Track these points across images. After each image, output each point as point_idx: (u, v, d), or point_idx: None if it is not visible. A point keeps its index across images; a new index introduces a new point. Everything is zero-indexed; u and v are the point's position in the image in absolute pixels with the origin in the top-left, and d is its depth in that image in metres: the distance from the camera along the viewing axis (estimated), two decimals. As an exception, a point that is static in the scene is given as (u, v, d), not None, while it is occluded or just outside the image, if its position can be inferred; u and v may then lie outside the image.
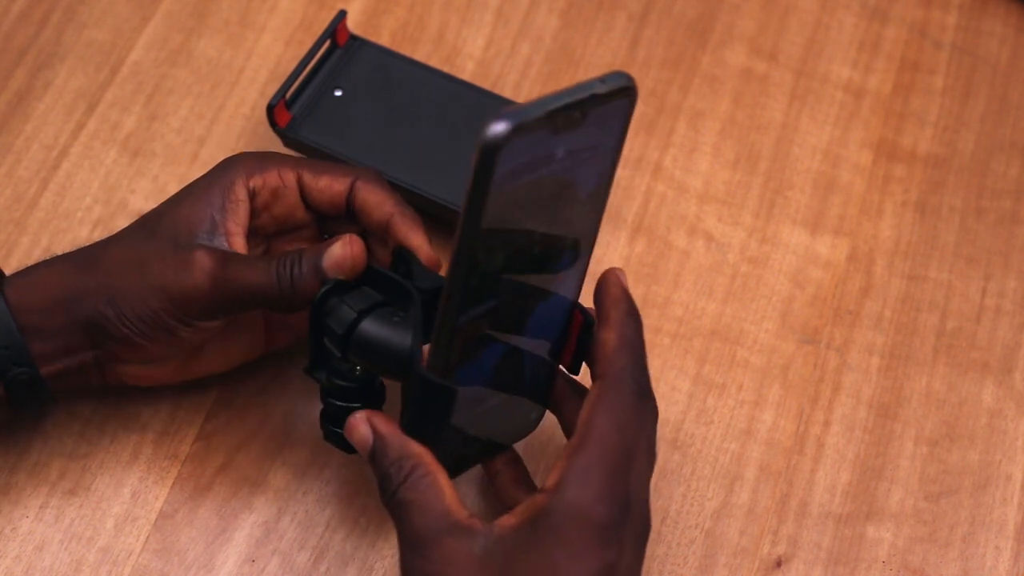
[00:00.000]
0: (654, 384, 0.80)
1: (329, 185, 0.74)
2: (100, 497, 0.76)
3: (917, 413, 0.81)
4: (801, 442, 0.80)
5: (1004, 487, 0.79)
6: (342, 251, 0.70)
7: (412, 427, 0.67)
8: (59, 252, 0.81)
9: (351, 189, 0.74)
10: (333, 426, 0.72)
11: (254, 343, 0.77)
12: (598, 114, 0.62)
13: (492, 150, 0.59)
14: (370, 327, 0.69)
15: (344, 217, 0.75)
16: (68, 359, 0.72)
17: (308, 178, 0.74)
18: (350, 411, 0.69)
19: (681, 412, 0.80)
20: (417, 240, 0.72)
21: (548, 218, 0.64)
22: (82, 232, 0.83)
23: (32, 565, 0.74)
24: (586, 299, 0.69)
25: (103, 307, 0.71)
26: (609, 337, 0.67)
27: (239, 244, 0.72)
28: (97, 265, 0.72)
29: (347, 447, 0.71)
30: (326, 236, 0.77)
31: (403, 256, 0.72)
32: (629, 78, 0.62)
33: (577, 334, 0.69)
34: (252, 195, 0.73)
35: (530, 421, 0.72)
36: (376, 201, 0.73)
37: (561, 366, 0.70)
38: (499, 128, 0.59)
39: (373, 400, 0.72)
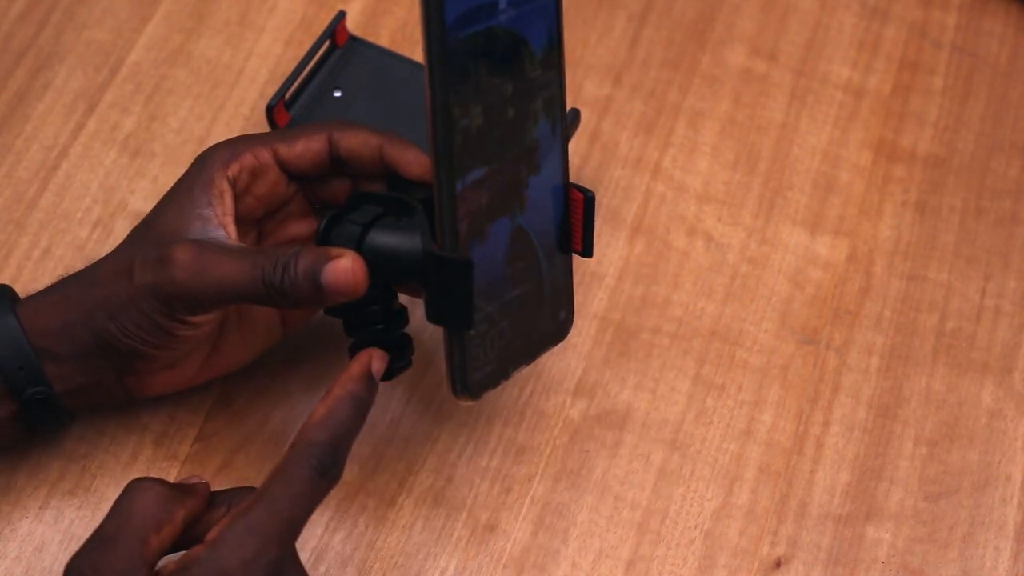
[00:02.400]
0: (653, 384, 0.80)
1: (307, 147, 0.73)
2: (100, 498, 0.76)
3: (917, 413, 0.81)
4: (800, 443, 0.80)
5: (1004, 487, 0.79)
6: (344, 275, 0.69)
7: (438, 315, 0.68)
8: (59, 253, 0.82)
9: (329, 143, 0.73)
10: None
11: (271, 329, 0.76)
12: None
13: None
14: (378, 235, 0.70)
15: (330, 175, 0.75)
16: (83, 378, 0.72)
17: (284, 150, 0.73)
18: (374, 337, 0.71)
19: (680, 413, 0.80)
20: (412, 154, 0.72)
21: (512, 77, 0.68)
22: (81, 232, 0.83)
23: (31, 566, 0.74)
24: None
25: (105, 323, 0.71)
26: (318, 411, 0.68)
27: (232, 232, 0.72)
28: (96, 283, 0.72)
29: (384, 376, 0.72)
30: (317, 209, 0.76)
31: (398, 182, 0.73)
32: None
33: (582, 212, 0.72)
34: (232, 183, 0.73)
35: (559, 323, 0.73)
36: (360, 140, 0.73)
37: (575, 254, 0.73)
38: None
39: (394, 322, 0.72)
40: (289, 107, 0.82)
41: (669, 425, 0.80)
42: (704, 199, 0.87)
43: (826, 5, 0.94)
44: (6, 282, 0.80)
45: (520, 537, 0.76)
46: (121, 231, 0.83)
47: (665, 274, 0.84)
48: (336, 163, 0.74)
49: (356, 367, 0.69)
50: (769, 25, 0.93)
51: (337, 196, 0.75)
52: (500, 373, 0.71)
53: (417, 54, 0.90)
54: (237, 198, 0.73)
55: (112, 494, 0.76)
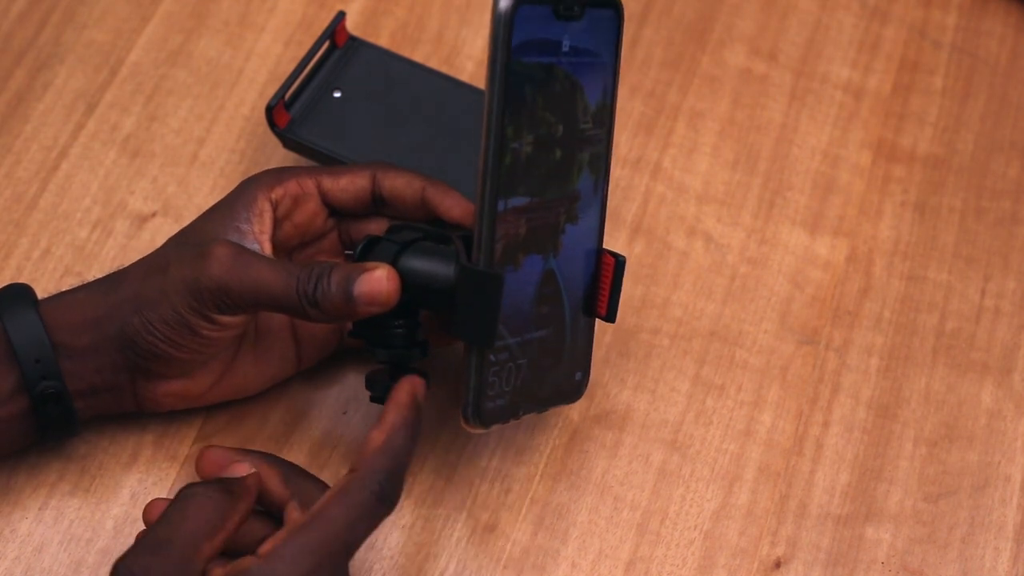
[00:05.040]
0: (653, 385, 0.81)
1: (351, 182, 0.75)
2: (99, 498, 0.76)
3: (916, 414, 0.81)
4: (800, 443, 0.80)
5: (1003, 488, 0.79)
6: (378, 283, 0.70)
7: (463, 330, 0.70)
8: (58, 254, 0.82)
9: (373, 181, 0.75)
10: (383, 381, 0.73)
11: (285, 360, 0.77)
12: (593, 19, 0.71)
13: (508, 13, 0.67)
14: (413, 256, 0.71)
15: (369, 213, 0.76)
16: (97, 377, 0.72)
17: (328, 182, 0.75)
18: (396, 361, 0.72)
19: (680, 413, 0.80)
20: (453, 199, 0.74)
21: (563, 118, 0.71)
22: (81, 233, 0.83)
23: (31, 566, 0.74)
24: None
25: (130, 317, 0.71)
26: (376, 437, 0.68)
27: (267, 250, 0.73)
28: (124, 281, 0.73)
29: None
30: (348, 252, 0.77)
31: (440, 225, 0.75)
32: None
33: (611, 277, 0.74)
34: (274, 206, 0.74)
35: (575, 383, 0.75)
36: (404, 181, 0.75)
37: (598, 318, 0.75)
38: None
39: (415, 349, 0.73)
40: (289, 107, 0.82)
41: (669, 425, 0.80)
42: (704, 199, 0.87)
43: (826, 5, 0.94)
44: (7, 283, 0.80)
45: (520, 537, 0.76)
46: (121, 231, 0.83)
47: (665, 274, 0.84)
48: (377, 202, 0.75)
49: (404, 394, 0.69)
50: (769, 25, 0.93)
51: (372, 234, 0.76)
52: (511, 410, 0.72)
53: (416, 54, 0.90)
54: (276, 223, 0.74)
55: (111, 495, 0.76)
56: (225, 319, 0.71)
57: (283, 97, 0.82)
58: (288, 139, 0.82)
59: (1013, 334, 0.84)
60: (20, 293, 0.73)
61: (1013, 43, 0.94)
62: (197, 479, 0.75)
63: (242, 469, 0.69)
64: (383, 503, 0.67)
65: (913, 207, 0.87)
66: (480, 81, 0.88)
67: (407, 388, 0.70)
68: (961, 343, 0.83)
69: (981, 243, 0.86)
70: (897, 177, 0.88)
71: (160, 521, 0.66)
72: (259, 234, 0.73)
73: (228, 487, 0.68)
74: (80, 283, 0.75)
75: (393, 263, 0.71)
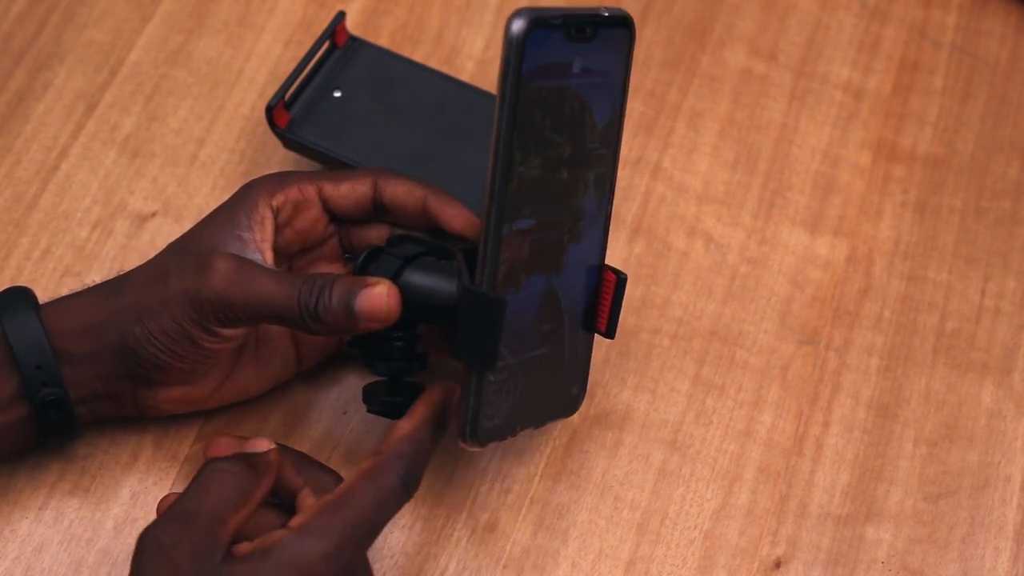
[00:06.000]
0: (653, 385, 0.81)
1: (352, 188, 0.75)
2: (99, 498, 0.76)
3: (916, 414, 0.81)
4: (800, 443, 0.80)
5: (1003, 488, 0.79)
6: (379, 300, 0.70)
7: (463, 353, 0.69)
8: (58, 254, 0.82)
9: (375, 188, 0.74)
10: (380, 395, 0.73)
11: (286, 363, 0.77)
12: (604, 38, 0.70)
13: (520, 38, 0.66)
14: (415, 272, 0.71)
15: (370, 219, 0.76)
16: (98, 385, 0.72)
17: (329, 188, 0.75)
18: (394, 374, 0.73)
19: (680, 413, 0.80)
20: (454, 209, 0.74)
21: (571, 139, 0.70)
22: (81, 233, 0.83)
23: (31, 566, 0.74)
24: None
25: (131, 326, 0.71)
26: (405, 426, 0.69)
27: (269, 258, 0.73)
28: (125, 288, 0.72)
29: (395, 415, 0.73)
30: (347, 255, 0.77)
31: (437, 234, 0.74)
32: (627, 12, 0.71)
33: (612, 294, 0.73)
34: (275, 212, 0.74)
35: (572, 397, 0.75)
36: (405, 189, 0.74)
37: (597, 334, 0.75)
38: (521, 20, 0.66)
39: (414, 363, 0.73)
40: (289, 107, 0.82)
41: (669, 425, 0.80)
42: (704, 199, 0.87)
43: (826, 5, 0.94)
44: (6, 283, 0.80)
45: (520, 537, 0.76)
46: (121, 231, 0.83)
47: (665, 274, 0.84)
48: (378, 209, 0.75)
49: (438, 393, 0.71)
50: (769, 25, 0.93)
51: (372, 242, 0.76)
52: (508, 428, 0.72)
53: (416, 54, 0.90)
54: (277, 229, 0.74)
55: (111, 495, 0.76)
56: (226, 331, 0.71)
57: (283, 97, 0.82)
58: (288, 139, 0.82)
59: (1013, 334, 0.84)
60: (20, 296, 0.73)
61: (1013, 43, 0.94)
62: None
63: (263, 444, 0.70)
64: (405, 489, 0.68)
65: (913, 207, 0.87)
66: (480, 80, 0.88)
67: (441, 388, 0.71)
68: (961, 343, 0.83)
69: (981, 243, 0.87)
70: (897, 177, 0.88)
71: (185, 494, 0.67)
72: (260, 242, 0.73)
73: (250, 462, 0.68)
74: (80, 285, 0.75)
75: (395, 278, 0.71)
